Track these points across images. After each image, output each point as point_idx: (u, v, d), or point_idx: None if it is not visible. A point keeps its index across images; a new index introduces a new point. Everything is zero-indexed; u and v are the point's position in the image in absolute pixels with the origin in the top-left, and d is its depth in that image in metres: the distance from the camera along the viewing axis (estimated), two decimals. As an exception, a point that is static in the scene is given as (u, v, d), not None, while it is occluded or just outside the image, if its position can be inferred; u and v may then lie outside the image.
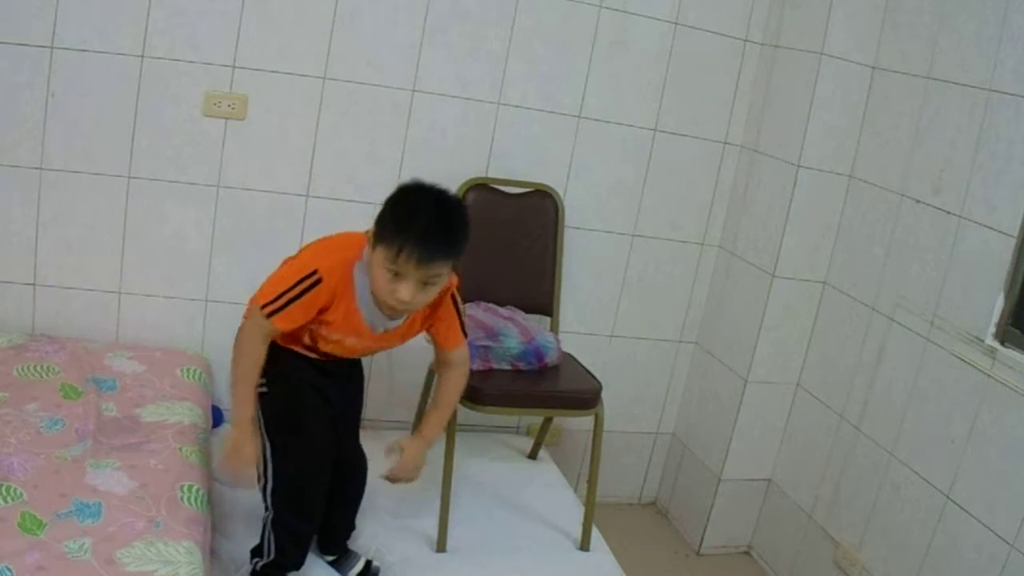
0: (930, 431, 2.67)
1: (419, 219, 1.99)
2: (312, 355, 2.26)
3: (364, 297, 2.13)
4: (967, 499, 2.52)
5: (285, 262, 2.21)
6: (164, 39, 2.71)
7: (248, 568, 2.34)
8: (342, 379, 2.37)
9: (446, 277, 2.10)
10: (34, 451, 2.18)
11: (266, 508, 2.29)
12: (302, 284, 2.07)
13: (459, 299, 2.29)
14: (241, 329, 2.15)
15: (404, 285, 2.01)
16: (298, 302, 2.07)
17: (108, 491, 2.10)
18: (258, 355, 2.13)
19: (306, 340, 2.22)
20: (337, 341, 2.20)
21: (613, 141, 3.23)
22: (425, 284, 2.03)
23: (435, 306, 2.24)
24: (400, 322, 2.21)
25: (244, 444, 2.12)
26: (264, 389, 2.21)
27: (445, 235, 2.02)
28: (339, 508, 2.48)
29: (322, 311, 2.12)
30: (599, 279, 3.37)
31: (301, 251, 2.22)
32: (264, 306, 2.09)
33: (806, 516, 3.17)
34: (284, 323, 2.10)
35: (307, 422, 2.27)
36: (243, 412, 2.14)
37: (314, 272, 2.07)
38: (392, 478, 2.33)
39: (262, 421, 2.24)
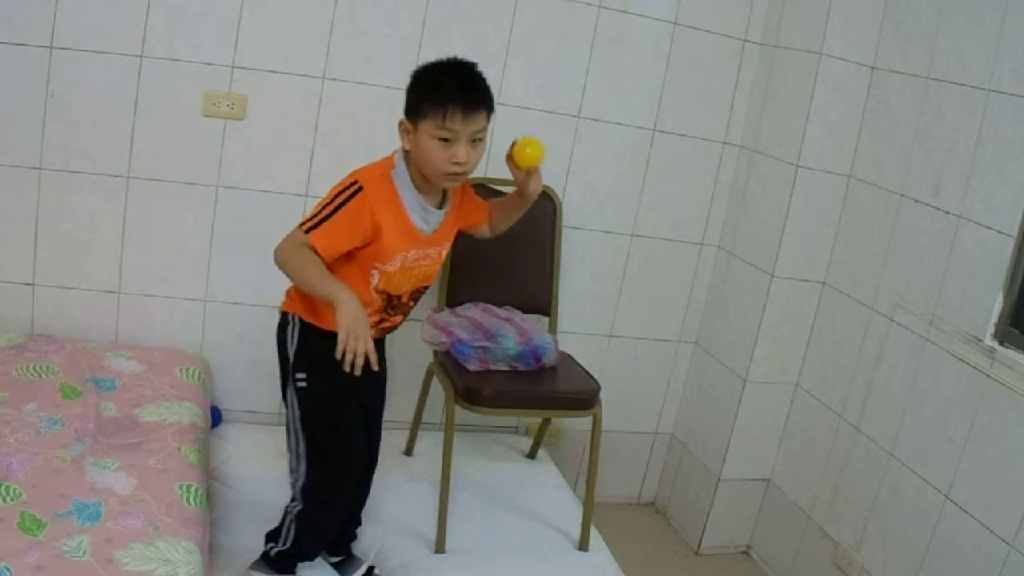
0: (929, 431, 2.67)
1: (450, 80, 2.10)
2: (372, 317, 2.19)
3: (409, 199, 2.15)
4: (966, 499, 2.52)
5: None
6: (163, 39, 2.71)
7: (262, 552, 2.33)
8: (373, 372, 2.33)
9: (487, 132, 2.15)
10: (33, 451, 2.18)
11: (293, 499, 2.29)
12: (343, 195, 2.06)
13: None
14: (278, 250, 2.08)
15: (458, 147, 2.08)
16: (340, 212, 2.04)
17: (107, 491, 2.10)
18: (307, 256, 2.04)
19: (375, 283, 2.17)
20: (396, 271, 2.17)
21: (612, 141, 3.23)
22: (473, 142, 2.11)
23: (463, 198, 2.34)
24: (444, 214, 2.23)
25: (359, 318, 1.96)
26: (304, 384, 2.20)
27: (478, 86, 2.13)
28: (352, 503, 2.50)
29: (375, 232, 2.09)
30: (598, 279, 3.37)
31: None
32: (303, 224, 2.06)
33: (805, 516, 3.17)
34: (324, 240, 2.03)
35: (345, 421, 2.27)
36: (334, 288, 1.99)
37: (355, 182, 2.08)
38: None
39: (299, 415, 2.24)
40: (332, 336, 2.07)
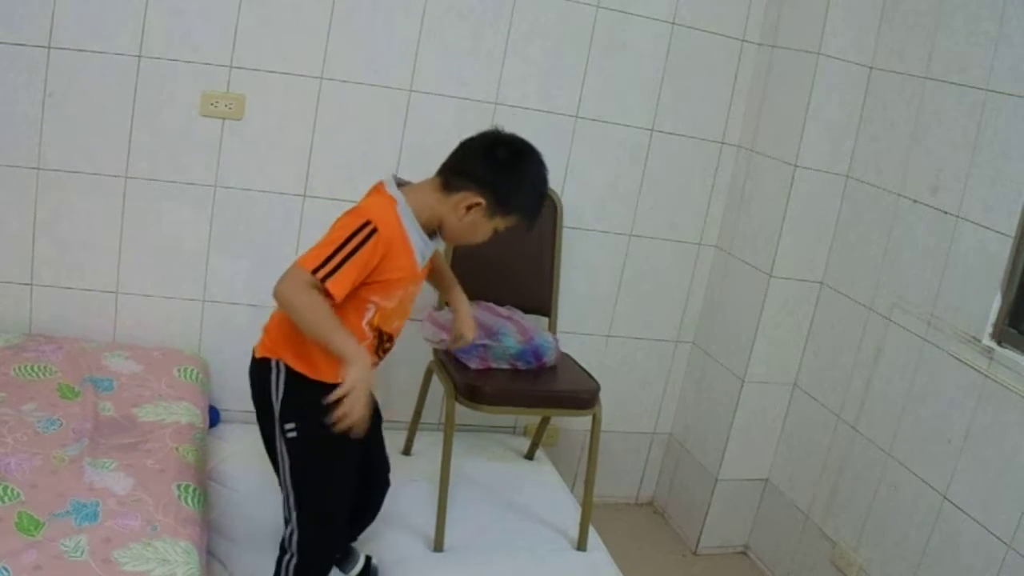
0: (927, 431, 2.67)
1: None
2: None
3: (414, 235, 2.08)
4: (964, 499, 2.52)
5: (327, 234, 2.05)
6: (161, 39, 2.71)
7: None
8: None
9: None
10: (31, 451, 2.18)
11: (287, 551, 2.17)
12: (357, 237, 1.94)
13: None
14: (285, 291, 1.92)
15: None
16: (355, 257, 1.93)
17: (105, 491, 2.10)
18: (320, 301, 1.91)
19: (369, 318, 2.08)
20: (394, 306, 2.12)
21: (610, 141, 3.23)
22: None
23: None
24: (434, 245, 2.21)
25: (365, 381, 1.91)
26: (294, 434, 2.09)
27: None
28: (360, 515, 2.45)
29: (383, 270, 2.01)
30: (597, 279, 3.37)
31: (338, 220, 2.05)
32: (316, 271, 1.91)
33: (803, 516, 3.17)
34: (339, 288, 1.93)
35: (341, 465, 2.17)
36: (349, 346, 1.92)
37: (367, 223, 1.96)
38: (458, 339, 2.44)
39: (289, 466, 2.12)
40: (317, 384, 2.05)
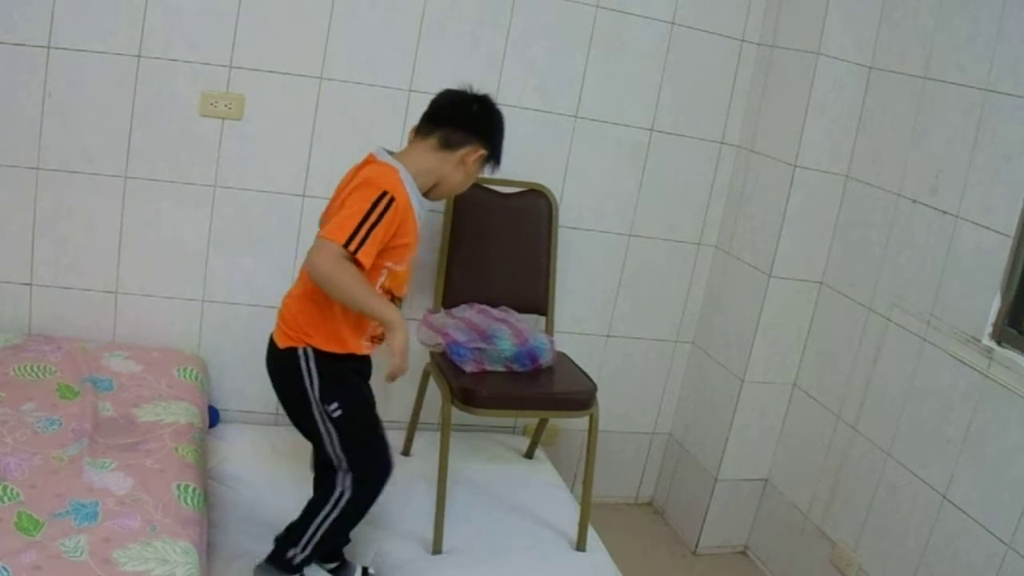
0: (927, 431, 2.67)
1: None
2: (371, 339, 2.31)
3: (415, 199, 2.24)
4: (964, 499, 2.52)
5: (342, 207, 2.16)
6: (160, 39, 2.71)
7: (277, 555, 2.28)
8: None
9: None
10: (31, 451, 2.18)
11: (334, 510, 2.25)
12: (378, 207, 2.08)
13: None
14: (319, 265, 2.04)
15: None
16: (378, 228, 2.07)
17: (105, 491, 2.10)
18: (354, 272, 2.06)
19: (382, 282, 2.23)
20: (404, 270, 2.28)
21: (609, 141, 3.23)
22: None
23: None
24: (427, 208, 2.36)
25: (408, 340, 2.11)
26: (340, 411, 2.21)
27: None
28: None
29: (394, 237, 2.15)
30: (595, 279, 3.37)
31: (352, 193, 2.16)
32: (347, 243, 2.04)
33: (802, 516, 3.17)
34: (368, 257, 2.07)
35: (378, 420, 2.33)
36: (388, 311, 2.10)
37: (385, 192, 2.10)
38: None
39: (339, 441, 2.23)
40: (347, 356, 2.25)
